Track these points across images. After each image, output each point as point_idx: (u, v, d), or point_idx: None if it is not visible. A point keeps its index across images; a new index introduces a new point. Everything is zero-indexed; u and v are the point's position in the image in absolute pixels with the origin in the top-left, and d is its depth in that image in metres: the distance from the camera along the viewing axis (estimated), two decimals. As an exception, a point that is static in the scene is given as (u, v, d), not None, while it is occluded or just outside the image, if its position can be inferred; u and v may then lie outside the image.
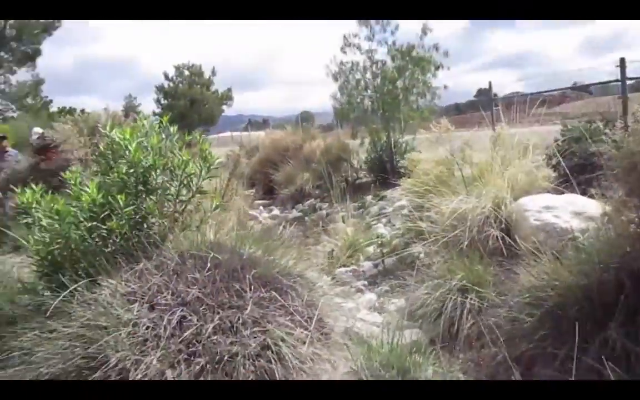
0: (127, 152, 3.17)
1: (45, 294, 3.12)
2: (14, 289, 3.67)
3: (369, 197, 9.34)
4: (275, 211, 11.26)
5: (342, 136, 13.59)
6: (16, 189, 3.46)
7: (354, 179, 11.51)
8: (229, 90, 43.34)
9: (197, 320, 2.72)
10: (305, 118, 25.85)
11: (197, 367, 2.50)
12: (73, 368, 2.62)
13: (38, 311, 3.06)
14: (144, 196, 3.25)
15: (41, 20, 16.17)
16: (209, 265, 3.01)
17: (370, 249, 6.03)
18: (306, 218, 9.51)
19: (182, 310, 2.76)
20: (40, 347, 2.74)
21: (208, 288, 2.91)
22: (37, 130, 12.27)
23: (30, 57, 17.04)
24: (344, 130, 14.42)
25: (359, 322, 3.57)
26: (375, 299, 4.60)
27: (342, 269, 5.51)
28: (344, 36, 11.27)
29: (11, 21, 15.83)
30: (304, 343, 2.67)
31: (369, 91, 11.46)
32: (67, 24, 16.89)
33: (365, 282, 5.18)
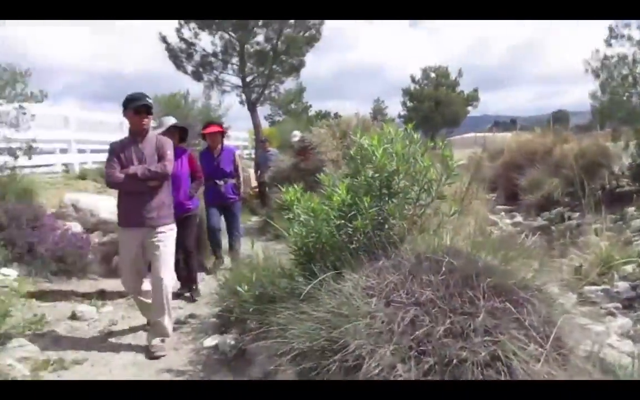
0: (374, 157, 3.43)
1: (299, 279, 3.55)
2: (275, 272, 4.25)
3: (630, 209, 8.26)
4: (518, 218, 10.69)
5: (601, 138, 12.21)
6: (281, 187, 4.04)
7: (613, 187, 10.27)
8: (475, 90, 42.61)
9: (429, 321, 2.79)
10: (559, 118, 23.89)
11: (426, 366, 2.58)
12: (318, 348, 2.93)
13: (292, 294, 3.51)
14: (386, 199, 3.47)
15: (306, 35, 18.04)
16: (443, 269, 3.06)
17: (629, 267, 5.35)
18: (552, 227, 8.84)
19: (415, 310, 2.86)
20: (293, 325, 3.12)
21: (441, 291, 2.96)
22: (296, 133, 13.86)
23: (295, 69, 19.16)
24: (603, 132, 12.98)
25: (606, 348, 3.23)
26: (630, 325, 4.08)
27: (592, 288, 5.00)
28: (610, 28, 10.13)
29: (282, 38, 17.97)
30: (538, 360, 2.55)
31: (638, 87, 10.11)
32: (326, 35, 18.48)
33: (619, 305, 4.62)
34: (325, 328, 2.95)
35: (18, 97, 4.42)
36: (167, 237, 4.46)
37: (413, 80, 41.97)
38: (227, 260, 7.07)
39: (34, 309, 5.28)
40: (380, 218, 3.45)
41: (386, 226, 3.47)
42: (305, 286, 3.26)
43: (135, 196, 4.38)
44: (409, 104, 41.91)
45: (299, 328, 3.07)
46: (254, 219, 11.84)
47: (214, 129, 7.10)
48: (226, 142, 7.33)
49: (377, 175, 3.45)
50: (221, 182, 6.91)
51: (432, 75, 41.37)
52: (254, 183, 13.53)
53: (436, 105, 39.05)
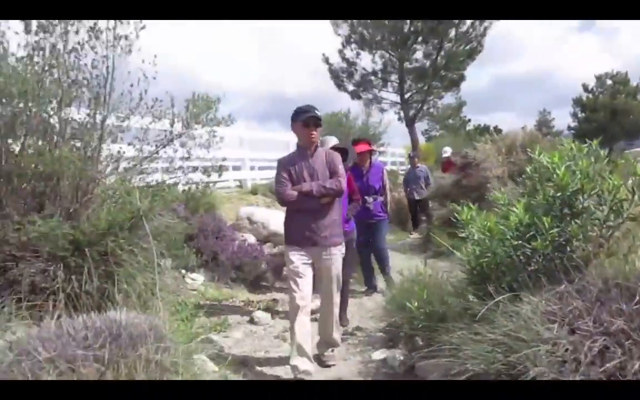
0: (554, 175, 3.27)
1: (471, 299, 3.49)
2: (443, 290, 4.22)
3: None
4: None
5: None
6: (445, 205, 4.01)
7: None
8: (664, 96, 37.89)
9: (622, 353, 2.59)
10: None
11: (622, 402, 2.40)
12: (494, 371, 2.86)
13: (464, 313, 3.47)
14: (568, 219, 3.28)
15: (467, 47, 17.74)
16: (638, 297, 2.82)
17: None
18: None
19: (604, 340, 2.67)
20: (466, 346, 3.08)
21: (635, 322, 2.71)
22: (447, 149, 13.66)
23: (455, 83, 18.93)
24: None
25: None
26: None
27: None
28: None
29: (442, 53, 17.86)
30: None
31: None
32: (487, 46, 17.97)
33: None
34: (501, 351, 2.88)
35: (210, 122, 4.97)
36: (337, 259, 4.31)
37: (585, 88, 38.65)
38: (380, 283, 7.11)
39: (217, 312, 5.86)
40: (561, 239, 3.27)
41: (568, 248, 3.27)
42: (480, 307, 3.20)
43: (306, 214, 4.20)
44: (579, 114, 38.65)
45: (472, 349, 3.03)
46: (414, 235, 11.84)
47: (362, 148, 7.00)
48: (383, 158, 7.30)
49: (558, 194, 3.27)
50: (370, 199, 6.85)
51: (609, 82, 37.70)
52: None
53: (612, 115, 35.48)
